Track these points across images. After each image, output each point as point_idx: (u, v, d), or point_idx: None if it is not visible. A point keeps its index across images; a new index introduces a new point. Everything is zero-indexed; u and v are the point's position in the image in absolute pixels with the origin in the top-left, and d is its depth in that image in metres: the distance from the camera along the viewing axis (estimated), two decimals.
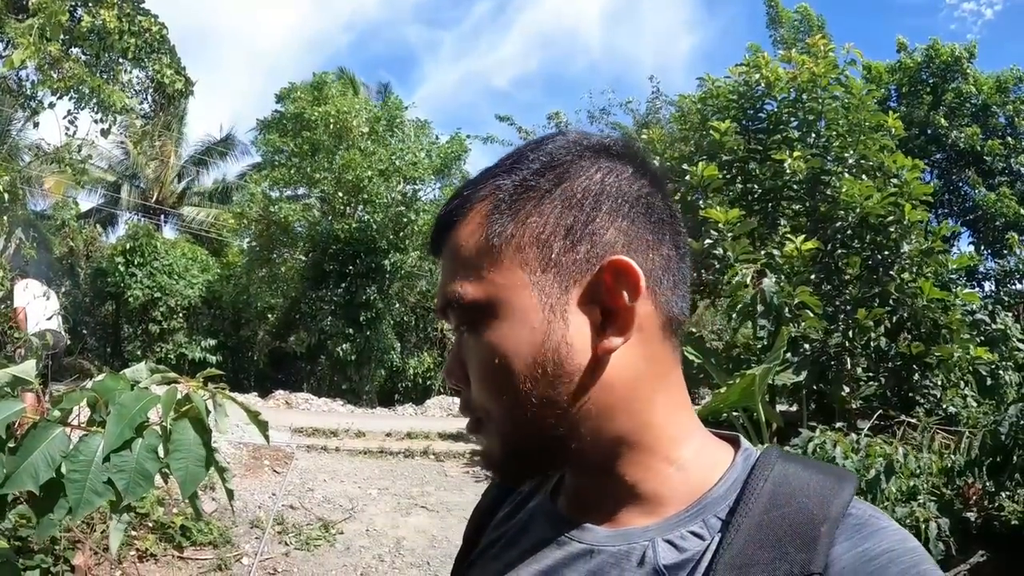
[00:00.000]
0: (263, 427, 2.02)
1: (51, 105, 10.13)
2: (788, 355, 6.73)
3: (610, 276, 0.68)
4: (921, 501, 5.16)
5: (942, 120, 14.95)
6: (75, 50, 10.11)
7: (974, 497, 5.35)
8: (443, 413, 13.95)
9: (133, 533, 4.88)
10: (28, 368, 1.75)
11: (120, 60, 10.55)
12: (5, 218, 8.26)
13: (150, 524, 5.24)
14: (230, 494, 1.92)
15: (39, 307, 7.89)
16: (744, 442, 0.75)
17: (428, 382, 17.20)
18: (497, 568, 0.78)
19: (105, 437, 1.55)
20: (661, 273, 0.70)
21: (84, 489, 1.55)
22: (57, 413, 1.63)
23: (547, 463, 0.73)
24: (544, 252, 0.69)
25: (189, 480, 1.66)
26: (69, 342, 8.85)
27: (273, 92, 17.13)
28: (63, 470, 1.61)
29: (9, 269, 8.47)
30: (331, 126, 15.56)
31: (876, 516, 0.65)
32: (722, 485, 0.70)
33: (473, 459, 9.52)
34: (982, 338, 8.59)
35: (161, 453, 1.65)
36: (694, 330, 8.93)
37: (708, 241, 7.04)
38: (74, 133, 10.36)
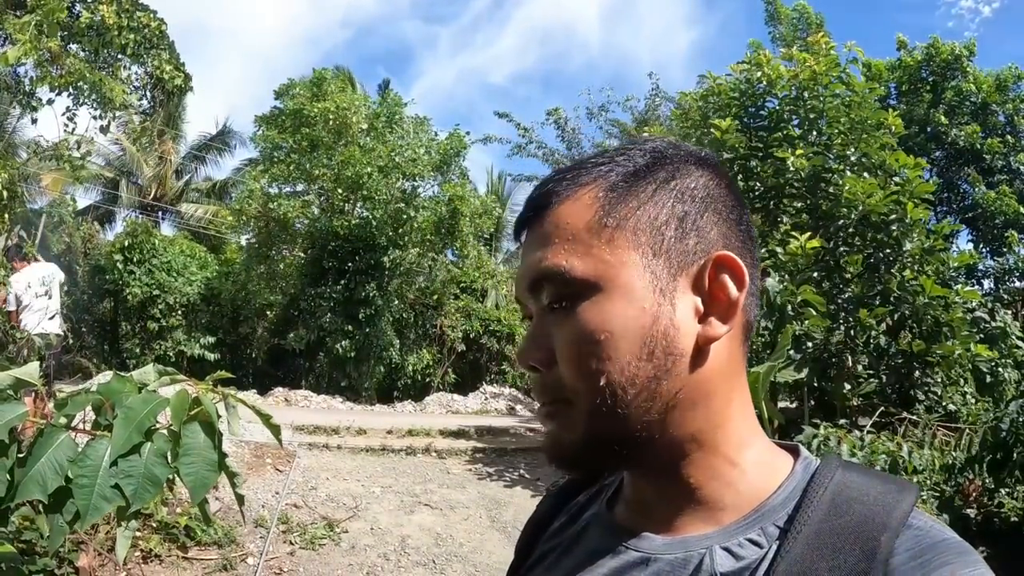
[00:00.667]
0: (276, 431, 1.97)
1: (49, 102, 10.13)
2: (791, 352, 6.75)
3: (716, 269, 0.71)
4: (924, 498, 5.19)
5: (942, 118, 14.98)
6: (74, 46, 10.10)
7: (974, 494, 5.38)
8: (442, 410, 13.95)
9: (137, 534, 4.88)
10: (31, 370, 1.71)
11: (119, 56, 10.54)
12: (6, 216, 8.23)
13: (154, 524, 5.23)
14: (240, 499, 1.86)
15: (40, 305, 7.88)
16: (804, 451, 0.75)
17: (427, 379, 17.19)
18: None
19: (112, 442, 1.53)
20: (750, 278, 0.73)
21: (92, 495, 1.52)
22: (64, 419, 1.61)
23: (623, 456, 0.72)
24: (657, 238, 0.71)
25: (199, 485, 1.63)
26: (70, 341, 8.85)
27: (269, 88, 17.11)
28: (71, 475, 1.60)
29: (8, 261, 8.46)
30: (330, 122, 15.52)
31: (937, 528, 0.64)
32: (781, 493, 0.70)
33: (475, 456, 9.54)
34: (982, 335, 8.64)
35: (170, 458, 1.62)
36: None
37: None
38: (73, 130, 10.34)
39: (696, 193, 0.73)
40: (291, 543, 5.74)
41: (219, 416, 1.83)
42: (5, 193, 9.24)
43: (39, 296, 7.90)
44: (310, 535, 5.86)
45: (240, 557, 5.32)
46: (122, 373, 1.79)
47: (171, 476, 1.65)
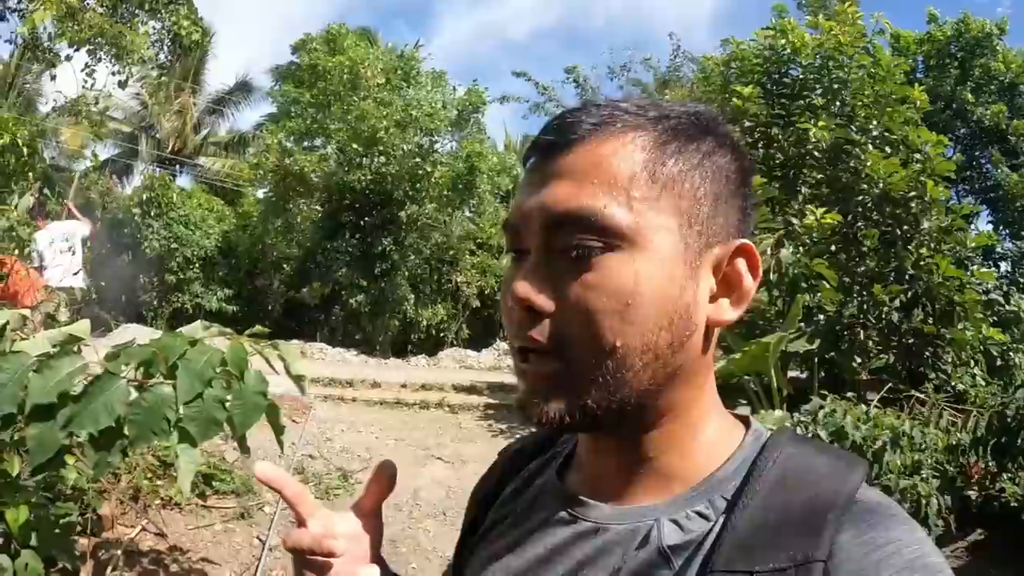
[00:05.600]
0: (300, 379, 2.16)
1: (67, 58, 10.14)
2: (802, 324, 6.79)
3: (738, 255, 0.71)
4: (924, 476, 5.23)
5: (968, 95, 14.70)
6: (90, 1, 10.06)
7: (976, 476, 5.45)
8: (456, 365, 14.06)
9: (159, 482, 4.97)
10: (83, 327, 1.85)
11: (136, 12, 10.51)
12: (31, 174, 8.31)
13: (174, 473, 5.36)
14: (281, 444, 2.10)
15: (64, 261, 8.02)
16: (755, 422, 0.75)
17: (441, 334, 17.26)
18: (504, 545, 0.79)
19: (178, 388, 1.69)
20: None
21: (141, 427, 1.69)
22: (124, 367, 1.72)
23: (610, 422, 0.69)
24: (696, 209, 0.69)
25: (244, 421, 1.84)
26: (94, 296, 8.98)
27: (287, 42, 16.99)
28: (123, 413, 1.72)
29: (31, 219, 8.56)
30: (345, 76, 15.47)
31: (885, 504, 0.64)
32: (730, 465, 0.70)
33: (487, 412, 9.64)
34: (995, 319, 8.60)
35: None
36: None
37: None
38: (92, 85, 10.37)
39: (730, 175, 0.72)
40: None
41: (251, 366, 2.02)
42: (26, 150, 9.32)
43: (62, 252, 8.03)
44: (325, 485, 6.01)
45: (257, 506, 5.45)
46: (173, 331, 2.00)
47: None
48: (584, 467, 0.78)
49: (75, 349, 1.79)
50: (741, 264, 0.71)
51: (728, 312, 0.71)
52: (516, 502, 0.84)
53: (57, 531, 2.60)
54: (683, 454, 0.71)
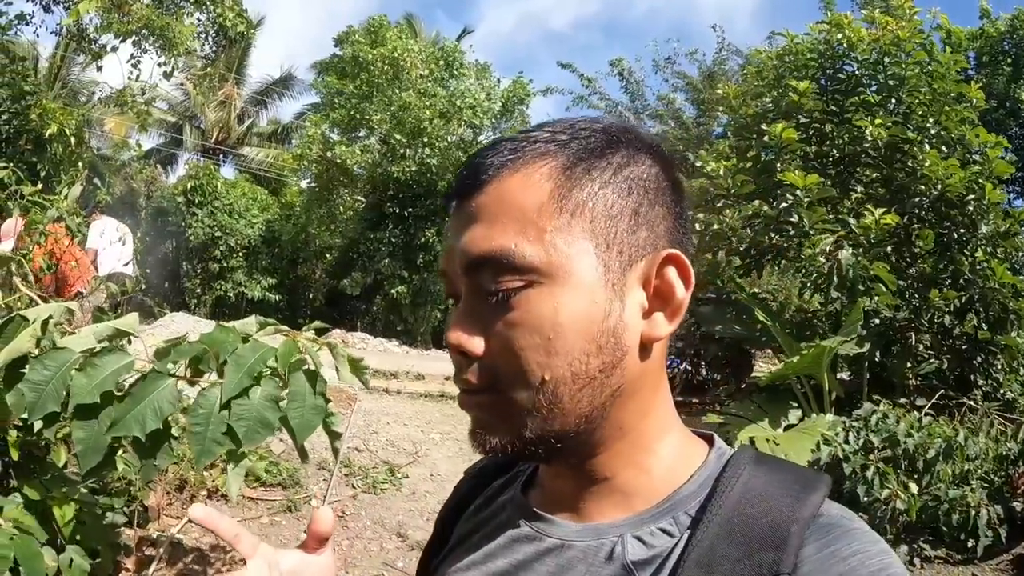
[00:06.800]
0: (361, 372, 2.05)
1: (114, 49, 10.28)
2: (862, 329, 6.69)
3: (667, 266, 0.69)
4: (973, 487, 5.21)
5: (1022, 94, 14.34)
6: None
7: (1022, 487, 5.35)
8: None
9: (206, 473, 5.00)
10: (131, 321, 1.79)
11: (182, 3, 10.61)
12: (80, 163, 8.43)
13: (220, 463, 5.41)
14: (335, 436, 1.95)
15: (115, 252, 8.16)
16: (718, 440, 0.75)
17: None
18: (470, 562, 0.78)
19: (224, 385, 1.62)
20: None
21: (205, 440, 1.61)
22: (170, 365, 1.67)
23: (555, 449, 0.69)
24: (611, 228, 0.67)
25: (304, 428, 1.73)
26: (143, 286, 9.12)
27: (328, 31, 17.12)
28: (177, 423, 1.68)
29: (82, 209, 8.68)
30: (387, 67, 15.52)
31: (847, 518, 0.64)
32: (694, 482, 0.69)
33: None
34: None
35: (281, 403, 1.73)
36: (756, 290, 8.87)
37: (783, 205, 6.96)
38: (137, 76, 10.50)
39: (648, 184, 0.70)
40: (353, 487, 5.91)
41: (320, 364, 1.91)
42: (73, 139, 9.46)
43: (112, 243, 8.16)
44: (372, 479, 6.02)
45: (304, 499, 5.47)
46: (224, 324, 1.85)
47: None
48: (546, 485, 0.79)
49: (121, 345, 1.75)
50: (672, 274, 0.69)
51: (663, 326, 0.69)
52: (479, 518, 0.84)
53: (103, 524, 2.63)
54: (641, 471, 0.71)
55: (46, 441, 2.77)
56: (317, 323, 2.18)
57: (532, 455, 0.71)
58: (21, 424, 2.00)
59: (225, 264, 17.21)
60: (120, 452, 3.63)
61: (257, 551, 0.82)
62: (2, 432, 2.42)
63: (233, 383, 1.63)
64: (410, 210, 15.61)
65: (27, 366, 1.68)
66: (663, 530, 0.67)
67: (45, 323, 1.78)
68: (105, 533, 2.57)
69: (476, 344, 0.67)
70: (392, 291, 15.45)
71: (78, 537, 2.47)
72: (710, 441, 0.75)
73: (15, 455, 2.55)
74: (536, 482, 0.81)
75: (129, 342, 1.81)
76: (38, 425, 1.78)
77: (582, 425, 0.68)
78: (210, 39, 11.60)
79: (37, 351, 1.72)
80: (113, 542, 2.67)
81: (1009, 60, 14.87)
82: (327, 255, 18.14)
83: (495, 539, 0.77)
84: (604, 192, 0.68)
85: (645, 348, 0.69)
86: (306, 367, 1.80)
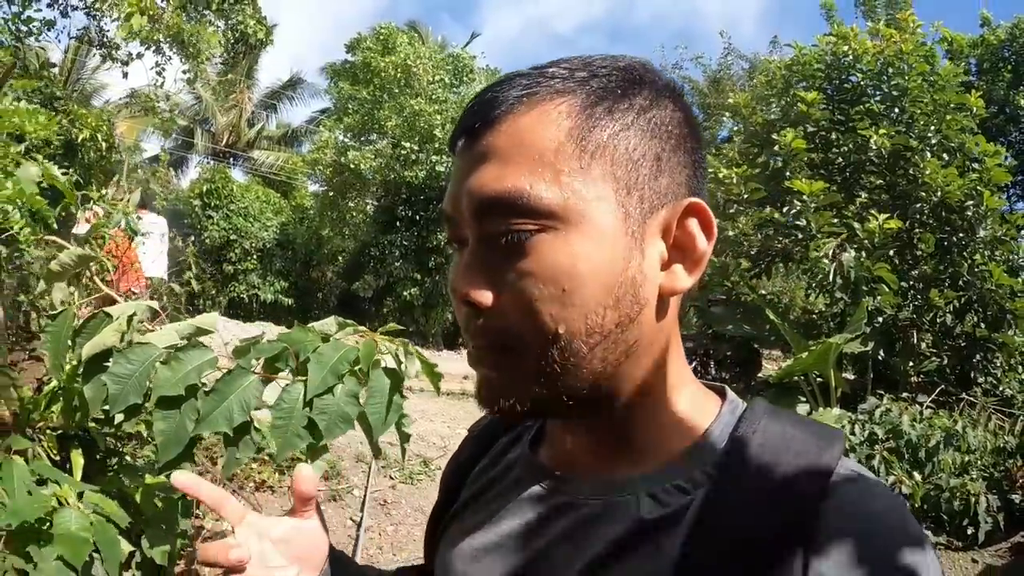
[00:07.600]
0: (437, 378, 2.16)
1: (139, 55, 10.49)
2: (866, 327, 6.99)
3: (688, 216, 0.66)
4: (973, 476, 5.40)
5: (1022, 100, 14.59)
6: (161, 3, 10.38)
7: (1020, 480, 5.50)
8: None
9: (253, 466, 5.21)
10: (211, 319, 1.85)
11: (204, 12, 10.81)
12: (125, 167, 8.67)
13: (265, 457, 5.69)
14: (405, 437, 2.06)
15: (152, 250, 8.32)
16: (730, 393, 0.73)
17: None
18: (479, 521, 0.76)
19: (308, 382, 1.68)
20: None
21: (287, 433, 1.68)
22: (254, 362, 1.75)
23: (569, 408, 0.66)
24: (632, 173, 0.64)
25: (380, 423, 1.83)
26: (173, 288, 9.36)
27: (335, 36, 17.35)
28: (259, 417, 1.78)
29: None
30: (398, 74, 15.79)
31: (863, 474, 0.63)
32: (708, 437, 0.68)
33: None
34: None
35: (361, 399, 1.80)
36: (763, 292, 9.17)
37: (792, 211, 7.27)
38: (162, 84, 10.72)
39: (672, 129, 0.66)
40: (391, 477, 6.18)
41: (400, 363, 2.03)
42: (104, 144, 9.68)
43: (150, 236, 8.36)
44: (408, 470, 6.32)
45: (346, 489, 5.74)
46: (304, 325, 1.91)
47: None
48: (556, 443, 0.76)
49: (203, 342, 1.78)
50: (693, 225, 0.66)
51: (683, 279, 0.66)
52: (488, 476, 0.82)
53: (176, 513, 2.66)
54: (656, 427, 0.69)
55: (125, 433, 2.90)
56: (392, 325, 2.16)
57: (543, 414, 0.70)
58: (102, 417, 2.01)
59: (239, 266, 17.39)
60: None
61: (244, 519, 0.80)
62: (81, 426, 2.48)
63: (317, 380, 1.69)
64: (422, 214, 15.84)
65: (111, 360, 1.71)
66: (678, 487, 0.65)
67: (130, 319, 1.83)
68: (178, 522, 2.67)
69: (485, 295, 0.63)
70: (404, 293, 15.64)
71: (153, 526, 2.57)
72: (721, 393, 0.73)
73: (101, 445, 2.69)
74: (545, 439, 0.78)
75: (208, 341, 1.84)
76: (119, 418, 1.79)
77: (597, 382, 0.65)
78: (230, 46, 11.79)
79: (121, 346, 1.75)
80: (183, 530, 2.74)
81: (1009, 67, 15.09)
82: (339, 258, 18.32)
83: (506, 498, 0.75)
84: (626, 134, 0.64)
85: (662, 301, 0.66)
86: (384, 366, 1.88)
